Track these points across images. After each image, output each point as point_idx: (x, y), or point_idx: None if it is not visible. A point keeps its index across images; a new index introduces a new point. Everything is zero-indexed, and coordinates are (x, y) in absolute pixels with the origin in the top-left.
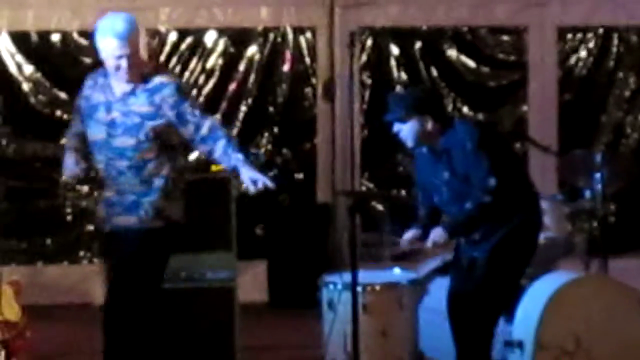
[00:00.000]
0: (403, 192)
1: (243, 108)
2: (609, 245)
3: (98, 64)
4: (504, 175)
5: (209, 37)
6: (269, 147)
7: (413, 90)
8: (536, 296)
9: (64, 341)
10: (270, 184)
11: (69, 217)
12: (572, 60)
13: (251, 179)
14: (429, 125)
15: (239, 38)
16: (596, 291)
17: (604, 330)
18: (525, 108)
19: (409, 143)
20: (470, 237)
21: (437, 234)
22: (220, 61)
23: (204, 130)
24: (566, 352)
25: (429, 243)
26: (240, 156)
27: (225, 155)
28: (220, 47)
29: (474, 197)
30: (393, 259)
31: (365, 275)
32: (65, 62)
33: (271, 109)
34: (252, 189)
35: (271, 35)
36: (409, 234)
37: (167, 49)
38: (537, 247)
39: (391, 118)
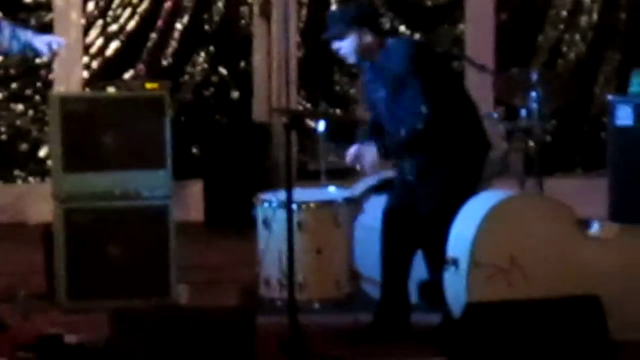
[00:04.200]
0: (338, 111)
1: (179, 26)
2: (545, 164)
3: None
4: (439, 101)
5: None
6: (205, 66)
7: (350, 6)
8: (471, 214)
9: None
10: (62, 41)
11: (3, 137)
12: None
13: (44, 42)
14: (368, 38)
15: None
16: (531, 209)
17: (538, 247)
18: (462, 27)
19: (350, 59)
20: (404, 161)
21: (371, 153)
22: None
23: None
24: (501, 269)
25: (366, 164)
26: (28, 30)
27: (15, 38)
28: None
29: (407, 123)
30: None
31: (300, 194)
32: None
33: (207, 27)
34: (46, 52)
35: None
36: (352, 151)
37: None
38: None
39: (330, 35)
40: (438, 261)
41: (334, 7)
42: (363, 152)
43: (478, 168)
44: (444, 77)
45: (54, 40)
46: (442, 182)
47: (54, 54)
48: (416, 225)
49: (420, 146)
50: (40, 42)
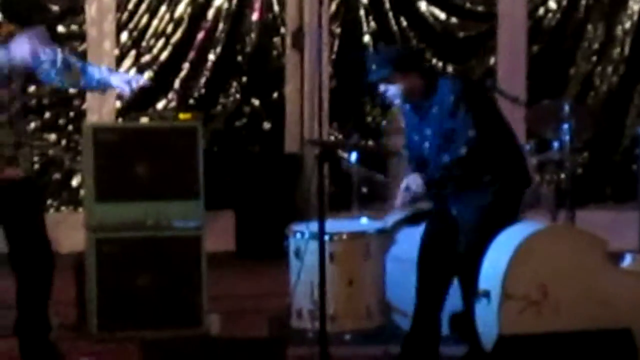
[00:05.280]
0: (371, 142)
1: (211, 57)
2: (576, 196)
3: None
4: (484, 129)
5: None
6: (238, 96)
7: (395, 48)
8: (503, 246)
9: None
10: (144, 81)
11: (36, 166)
12: (542, 11)
13: (124, 81)
14: (415, 82)
15: None
16: (563, 241)
17: (570, 280)
18: (494, 59)
19: (397, 101)
20: (445, 190)
21: (412, 179)
22: (189, 10)
23: (59, 64)
24: (533, 301)
25: (402, 186)
26: (103, 67)
27: (86, 75)
28: None
29: (451, 150)
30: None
31: (332, 225)
32: None
33: (240, 58)
34: (127, 91)
35: None
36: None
37: None
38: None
39: (376, 78)
40: (473, 293)
41: (366, 39)
42: (406, 180)
43: (517, 202)
44: (489, 111)
45: (134, 78)
46: (482, 213)
47: (133, 92)
48: (453, 257)
49: (461, 173)
50: (118, 80)
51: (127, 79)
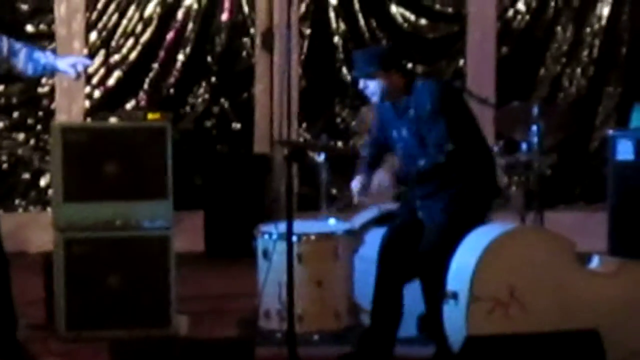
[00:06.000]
0: (340, 143)
1: (181, 57)
2: (545, 197)
3: None
4: (461, 139)
5: None
6: (207, 96)
7: (378, 47)
8: (471, 248)
9: None
10: (88, 61)
11: (4, 166)
12: (511, 13)
13: (69, 64)
14: (395, 80)
15: None
16: (531, 242)
17: (538, 281)
18: (463, 60)
19: (375, 98)
20: (417, 192)
21: (381, 177)
22: (158, 9)
23: (5, 51)
24: (501, 303)
25: (374, 186)
26: (48, 52)
27: (31, 60)
28: None
29: (429, 156)
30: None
31: (300, 225)
32: None
33: (209, 58)
34: (73, 74)
35: None
36: (357, 183)
37: None
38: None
39: (361, 74)
40: (435, 295)
41: (336, 40)
42: (378, 175)
43: (484, 210)
44: (466, 117)
45: (79, 61)
46: (449, 216)
47: (79, 75)
48: (412, 257)
49: (435, 177)
50: (64, 64)
51: (72, 62)
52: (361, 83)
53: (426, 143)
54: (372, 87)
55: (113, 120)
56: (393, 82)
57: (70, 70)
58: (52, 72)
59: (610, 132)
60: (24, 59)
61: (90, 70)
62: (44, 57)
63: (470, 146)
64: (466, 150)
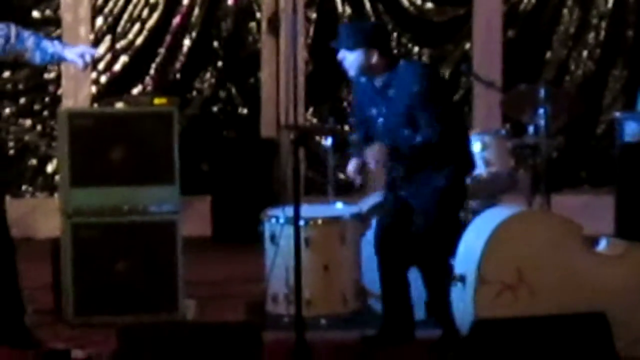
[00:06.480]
0: (347, 127)
1: (187, 42)
2: (552, 180)
3: None
4: (448, 119)
5: None
6: (213, 81)
7: (365, 23)
8: (478, 230)
9: None
10: (95, 51)
11: (11, 152)
12: None
13: (77, 54)
14: (374, 58)
15: None
16: (538, 226)
17: (545, 264)
18: (470, 44)
19: (351, 72)
20: (398, 172)
21: (375, 151)
22: None
23: (13, 38)
24: (508, 285)
25: (371, 164)
26: (56, 41)
27: (39, 49)
28: None
29: (423, 134)
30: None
31: (307, 210)
32: None
33: (215, 43)
34: (81, 64)
35: None
36: (353, 164)
37: None
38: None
39: (339, 45)
40: (435, 278)
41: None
42: (370, 152)
43: (464, 185)
44: (450, 99)
45: (87, 51)
46: (439, 194)
47: (86, 65)
48: (410, 241)
49: (425, 156)
50: (72, 53)
51: (80, 52)
52: (340, 54)
53: (418, 123)
54: (350, 60)
55: (120, 105)
56: (373, 59)
57: (78, 60)
58: (59, 61)
59: (617, 114)
60: (32, 47)
61: (97, 55)
62: (51, 46)
63: (455, 130)
64: (453, 133)
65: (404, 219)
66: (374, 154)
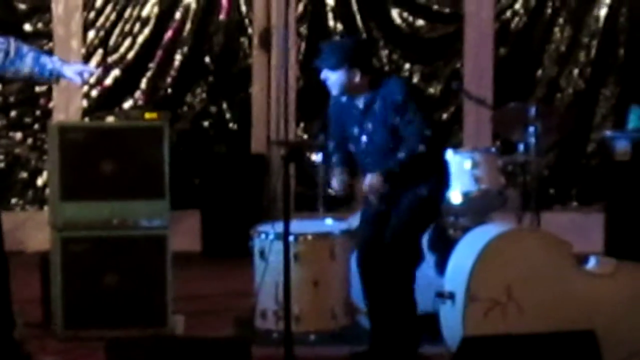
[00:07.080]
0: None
1: (178, 57)
2: (542, 198)
3: None
4: (431, 129)
5: None
6: (204, 96)
7: (347, 41)
8: (468, 248)
9: None
10: (94, 70)
11: (1, 165)
12: (508, 13)
13: (76, 72)
14: (357, 77)
15: None
16: (528, 243)
17: (535, 282)
18: (461, 61)
19: (334, 91)
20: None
21: (372, 177)
22: (156, 9)
23: (12, 54)
24: (497, 303)
25: (365, 186)
26: (55, 57)
27: (38, 65)
28: None
29: (408, 147)
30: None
31: (297, 225)
32: None
33: (207, 58)
34: (79, 82)
35: None
36: (335, 181)
37: None
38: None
39: (321, 65)
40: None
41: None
42: (367, 184)
43: (441, 201)
44: (431, 112)
45: (86, 69)
46: (416, 202)
47: (84, 83)
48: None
49: (412, 169)
50: (70, 71)
51: (79, 70)
52: (323, 73)
53: (401, 135)
54: (332, 80)
55: (110, 119)
56: (356, 79)
57: (77, 78)
58: (57, 77)
59: (608, 133)
60: (30, 63)
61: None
62: (50, 63)
63: (436, 140)
64: (435, 142)
65: (384, 230)
66: (371, 185)
